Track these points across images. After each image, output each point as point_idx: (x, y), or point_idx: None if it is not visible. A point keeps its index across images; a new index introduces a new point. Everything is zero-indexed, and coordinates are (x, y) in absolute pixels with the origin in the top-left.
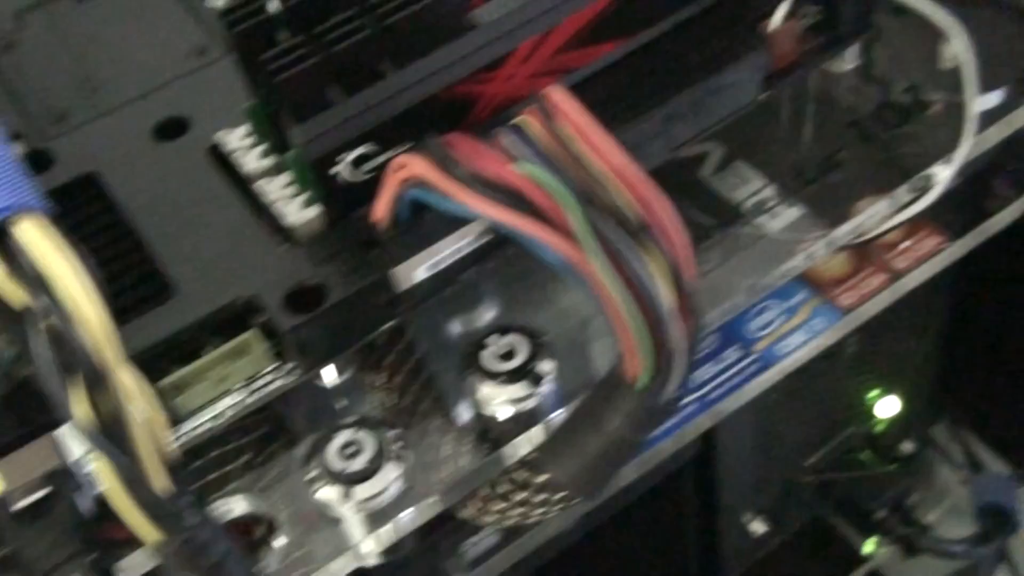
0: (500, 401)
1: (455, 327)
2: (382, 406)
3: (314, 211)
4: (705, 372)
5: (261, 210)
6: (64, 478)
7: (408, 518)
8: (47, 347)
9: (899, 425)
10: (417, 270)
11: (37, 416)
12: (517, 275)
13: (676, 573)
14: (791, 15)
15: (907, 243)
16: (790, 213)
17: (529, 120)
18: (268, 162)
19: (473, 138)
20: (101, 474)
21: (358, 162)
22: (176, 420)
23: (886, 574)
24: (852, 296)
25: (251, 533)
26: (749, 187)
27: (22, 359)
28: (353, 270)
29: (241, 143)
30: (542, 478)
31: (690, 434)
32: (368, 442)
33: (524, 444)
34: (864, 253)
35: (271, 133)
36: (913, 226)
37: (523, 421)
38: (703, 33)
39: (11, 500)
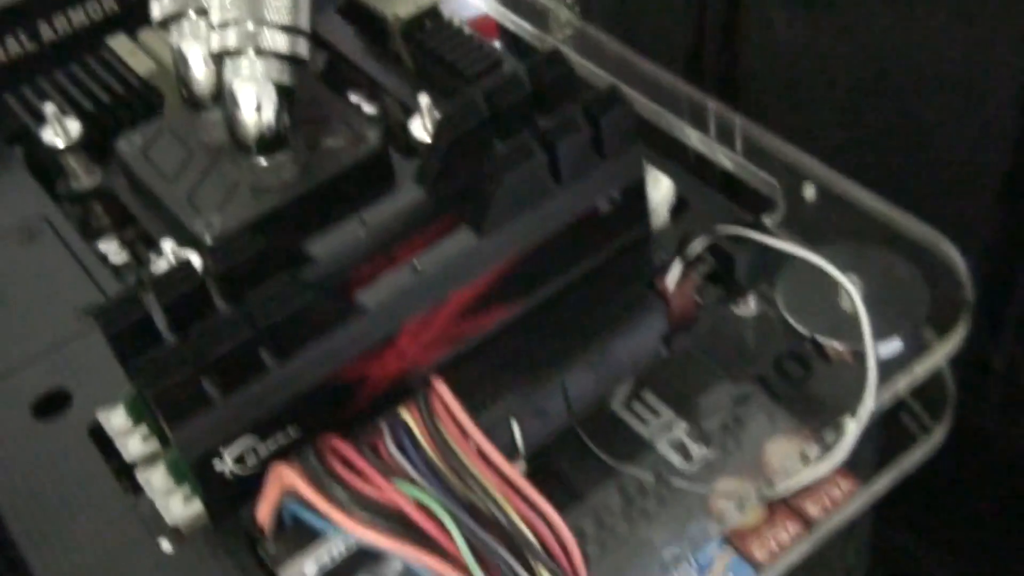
0: None
1: None
2: None
3: (197, 507)
4: None
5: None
6: None
7: None
8: None
9: None
10: (306, 568)
11: None
12: None
13: None
14: (688, 268)
15: (818, 489)
16: (702, 454)
17: (412, 420)
18: (150, 447)
19: (353, 447)
20: None
21: (239, 459)
22: None
23: None
24: (765, 550)
25: None
26: (660, 420)
27: None
28: (241, 570)
29: (125, 423)
30: None
31: None
32: None
33: None
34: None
35: (150, 423)
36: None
37: None
38: (599, 293)
39: None
